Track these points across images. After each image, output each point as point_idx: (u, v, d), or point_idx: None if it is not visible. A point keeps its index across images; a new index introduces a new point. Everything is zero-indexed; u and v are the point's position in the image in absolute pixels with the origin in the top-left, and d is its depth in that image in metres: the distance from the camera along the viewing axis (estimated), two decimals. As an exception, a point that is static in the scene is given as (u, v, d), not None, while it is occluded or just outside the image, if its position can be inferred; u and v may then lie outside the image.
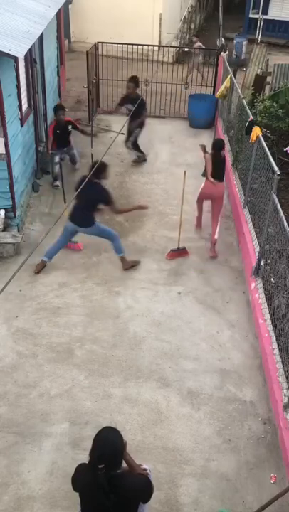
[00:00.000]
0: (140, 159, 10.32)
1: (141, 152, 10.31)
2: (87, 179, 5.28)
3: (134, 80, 9.81)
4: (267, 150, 6.72)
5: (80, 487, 3.13)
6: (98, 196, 6.58)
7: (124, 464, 3.19)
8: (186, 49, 16.79)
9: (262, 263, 6.51)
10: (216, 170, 7.46)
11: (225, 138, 10.67)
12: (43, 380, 5.39)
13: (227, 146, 10.21)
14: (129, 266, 7.12)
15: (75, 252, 7.41)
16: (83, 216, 6.69)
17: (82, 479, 3.09)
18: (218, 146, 7.53)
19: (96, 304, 6.49)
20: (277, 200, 5.95)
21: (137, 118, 9.60)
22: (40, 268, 6.97)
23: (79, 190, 4.78)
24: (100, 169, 6.18)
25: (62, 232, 6.94)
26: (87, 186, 4.99)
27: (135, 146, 10.21)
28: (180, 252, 7.46)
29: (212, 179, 7.43)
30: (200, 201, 7.96)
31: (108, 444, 2.98)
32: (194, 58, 14.95)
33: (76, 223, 6.74)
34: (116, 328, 6.12)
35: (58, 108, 9.14)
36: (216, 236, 7.51)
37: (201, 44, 15.92)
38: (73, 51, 17.69)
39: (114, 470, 2.98)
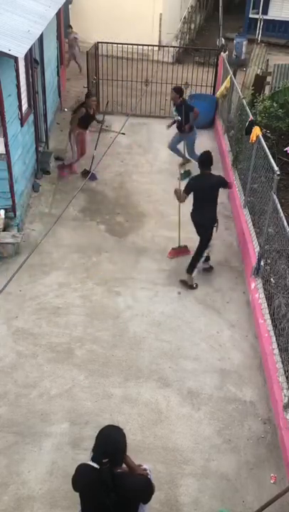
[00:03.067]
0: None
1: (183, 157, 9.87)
2: None
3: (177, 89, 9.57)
4: (267, 150, 6.72)
5: (80, 487, 3.12)
6: None
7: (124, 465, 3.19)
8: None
9: (262, 263, 6.51)
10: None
11: (225, 138, 10.68)
12: (43, 380, 5.39)
13: (227, 147, 10.23)
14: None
15: (75, 252, 7.41)
16: None
17: (83, 479, 3.08)
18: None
19: (96, 304, 6.49)
20: (277, 200, 5.95)
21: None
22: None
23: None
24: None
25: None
26: None
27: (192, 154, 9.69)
28: (181, 250, 7.45)
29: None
30: None
31: (110, 442, 2.98)
32: (70, 49, 14.90)
33: None
34: (116, 328, 6.11)
35: None
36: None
37: (76, 35, 15.36)
38: (73, 51, 17.69)
39: (116, 466, 2.98)
